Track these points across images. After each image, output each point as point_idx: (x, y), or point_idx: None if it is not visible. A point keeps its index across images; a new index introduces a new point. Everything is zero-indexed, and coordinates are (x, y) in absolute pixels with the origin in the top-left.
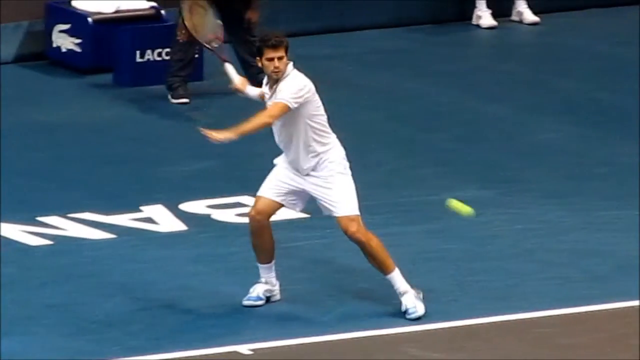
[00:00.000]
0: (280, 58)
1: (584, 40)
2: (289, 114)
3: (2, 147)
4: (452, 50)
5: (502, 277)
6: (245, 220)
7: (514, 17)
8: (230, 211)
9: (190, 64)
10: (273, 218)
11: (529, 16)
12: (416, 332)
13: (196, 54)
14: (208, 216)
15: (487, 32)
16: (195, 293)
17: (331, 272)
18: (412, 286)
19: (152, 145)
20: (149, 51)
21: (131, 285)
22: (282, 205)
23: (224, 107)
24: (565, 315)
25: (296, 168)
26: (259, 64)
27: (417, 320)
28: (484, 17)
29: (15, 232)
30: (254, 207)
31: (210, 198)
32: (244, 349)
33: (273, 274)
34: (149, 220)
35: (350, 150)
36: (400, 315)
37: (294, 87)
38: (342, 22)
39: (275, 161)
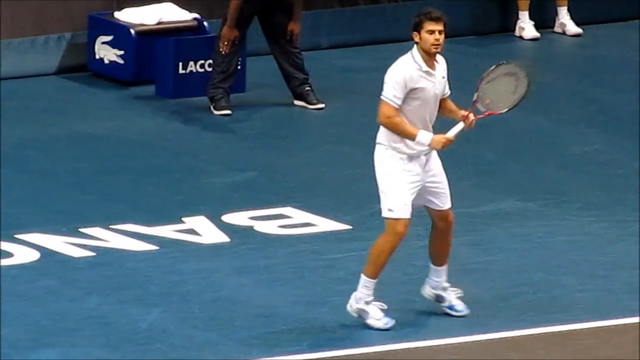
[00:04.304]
0: (440, 32)
1: (626, 51)
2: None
3: (42, 159)
4: (494, 61)
5: (544, 288)
6: (289, 232)
7: (557, 29)
8: (272, 222)
9: (233, 76)
10: (316, 229)
11: (572, 28)
12: (458, 343)
13: (239, 65)
14: (251, 228)
15: (529, 44)
16: (238, 305)
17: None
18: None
19: (194, 156)
20: (191, 63)
21: (173, 297)
22: None
23: (266, 119)
24: (607, 327)
25: (419, 156)
26: (415, 39)
27: (461, 317)
28: (527, 28)
29: (57, 243)
30: (400, 229)
31: (253, 209)
32: None
33: None
34: (192, 231)
35: None
36: (441, 324)
37: None
38: (384, 34)
39: (394, 173)
